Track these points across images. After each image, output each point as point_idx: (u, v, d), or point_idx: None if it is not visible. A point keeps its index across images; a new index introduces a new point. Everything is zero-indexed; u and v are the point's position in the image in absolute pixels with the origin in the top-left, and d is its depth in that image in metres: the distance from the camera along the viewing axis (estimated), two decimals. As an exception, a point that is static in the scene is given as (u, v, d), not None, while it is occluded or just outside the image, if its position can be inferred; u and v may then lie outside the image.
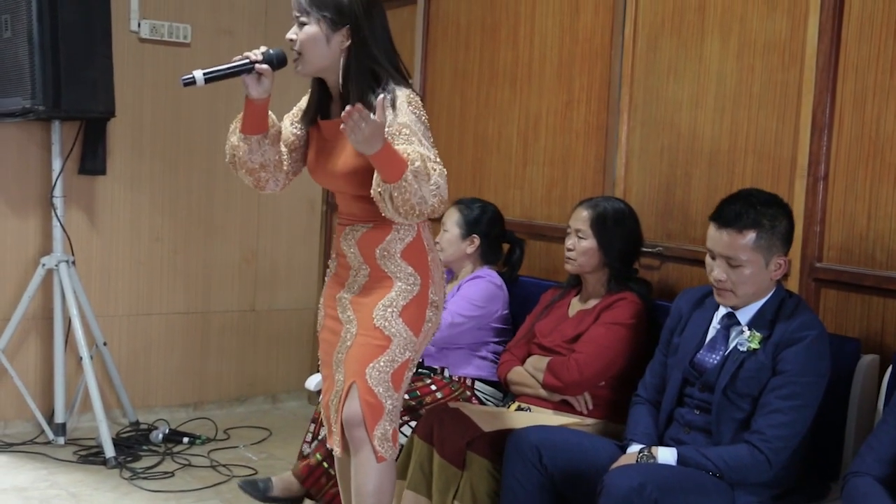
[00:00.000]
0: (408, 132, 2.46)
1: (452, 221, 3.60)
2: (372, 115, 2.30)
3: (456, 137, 4.24)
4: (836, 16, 2.81)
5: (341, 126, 2.31)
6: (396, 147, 2.39)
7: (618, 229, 3.13)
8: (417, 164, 2.36)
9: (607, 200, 3.23)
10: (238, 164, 2.66)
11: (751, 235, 2.51)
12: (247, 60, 2.51)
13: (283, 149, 2.72)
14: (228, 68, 2.50)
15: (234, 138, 2.65)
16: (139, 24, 4.57)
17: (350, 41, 2.53)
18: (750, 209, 2.52)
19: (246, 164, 2.64)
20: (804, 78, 2.89)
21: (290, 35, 2.56)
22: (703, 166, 3.23)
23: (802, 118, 2.90)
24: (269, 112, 2.64)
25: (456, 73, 4.31)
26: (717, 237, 2.56)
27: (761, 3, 3.03)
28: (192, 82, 2.45)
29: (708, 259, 2.62)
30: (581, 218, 3.18)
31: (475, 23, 4.19)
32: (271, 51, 2.54)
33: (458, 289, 3.52)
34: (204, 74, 2.45)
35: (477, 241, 3.58)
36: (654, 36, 3.38)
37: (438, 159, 2.48)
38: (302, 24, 2.53)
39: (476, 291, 3.48)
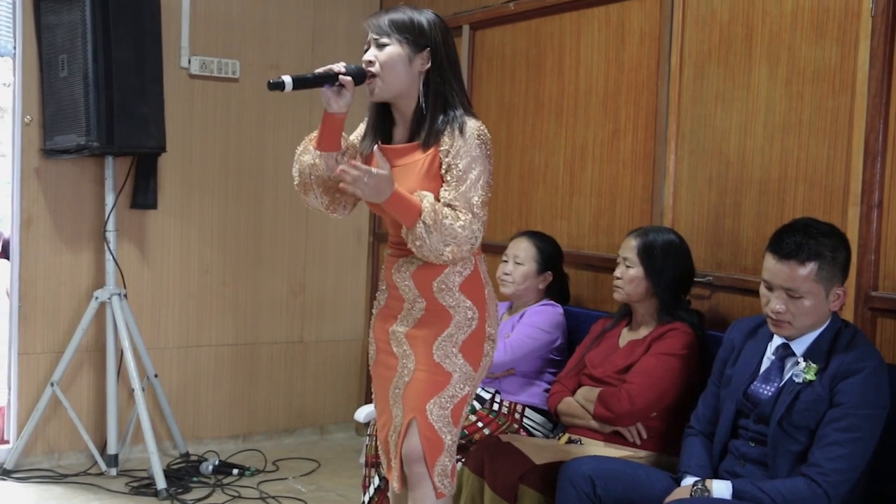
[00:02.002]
0: (462, 169, 2.48)
1: (529, 256, 3.58)
2: (373, 169, 2.39)
3: (502, 169, 4.25)
4: (888, 42, 2.79)
5: (340, 184, 2.43)
6: (416, 194, 2.47)
7: (666, 260, 3.11)
8: (427, 215, 2.43)
9: (658, 230, 3.21)
10: (315, 182, 2.59)
11: (812, 266, 2.48)
12: (332, 71, 2.50)
13: None
14: (314, 77, 2.50)
15: (308, 157, 2.59)
16: (189, 61, 4.65)
17: (429, 64, 2.54)
18: (810, 240, 2.48)
19: (326, 182, 2.59)
20: (856, 104, 2.87)
21: (369, 56, 2.54)
22: (752, 195, 3.20)
23: (855, 145, 2.87)
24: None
25: (502, 105, 4.33)
26: (776, 269, 2.52)
27: (810, 31, 3.02)
28: (281, 86, 2.44)
29: (763, 290, 2.58)
30: (629, 247, 3.17)
31: (520, 55, 4.22)
32: (352, 65, 2.53)
33: (522, 316, 3.53)
34: (293, 79, 2.45)
35: (550, 277, 3.60)
36: (700, 65, 3.37)
37: (480, 205, 2.49)
38: (382, 46, 2.52)
39: (544, 318, 3.49)
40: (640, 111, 3.63)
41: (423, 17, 2.55)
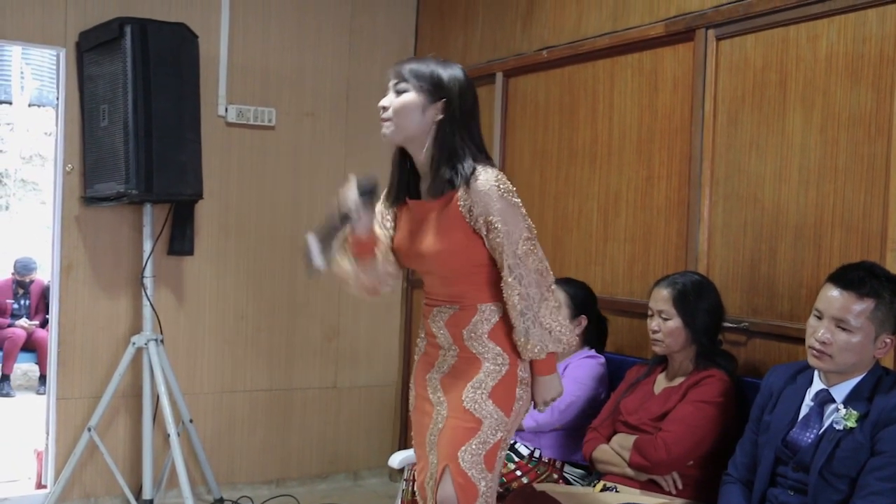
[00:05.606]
0: (498, 227, 2.51)
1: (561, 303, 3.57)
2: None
3: (536, 215, 4.25)
4: (923, 88, 2.79)
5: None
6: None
7: (700, 303, 3.10)
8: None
9: (684, 275, 3.20)
10: (359, 288, 2.71)
11: (869, 304, 2.48)
12: (343, 215, 2.56)
13: (391, 255, 2.73)
14: (330, 229, 2.57)
15: (348, 265, 2.68)
16: (226, 109, 4.73)
17: (442, 115, 2.56)
18: (874, 279, 2.50)
19: (366, 285, 2.70)
20: (892, 150, 2.86)
21: (384, 102, 2.59)
22: (788, 240, 3.19)
23: (892, 190, 2.85)
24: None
25: (535, 152, 4.36)
26: (833, 298, 2.52)
27: (844, 77, 3.02)
28: (318, 272, 2.58)
29: (812, 321, 2.58)
30: (662, 298, 3.14)
31: (553, 102, 4.25)
32: (363, 180, 2.58)
33: (566, 368, 3.51)
34: (322, 259, 2.56)
35: (584, 322, 3.58)
36: (734, 111, 3.38)
37: (533, 236, 2.56)
38: (399, 92, 2.57)
39: (587, 373, 3.49)
40: (673, 157, 3.63)
41: (445, 70, 2.58)
